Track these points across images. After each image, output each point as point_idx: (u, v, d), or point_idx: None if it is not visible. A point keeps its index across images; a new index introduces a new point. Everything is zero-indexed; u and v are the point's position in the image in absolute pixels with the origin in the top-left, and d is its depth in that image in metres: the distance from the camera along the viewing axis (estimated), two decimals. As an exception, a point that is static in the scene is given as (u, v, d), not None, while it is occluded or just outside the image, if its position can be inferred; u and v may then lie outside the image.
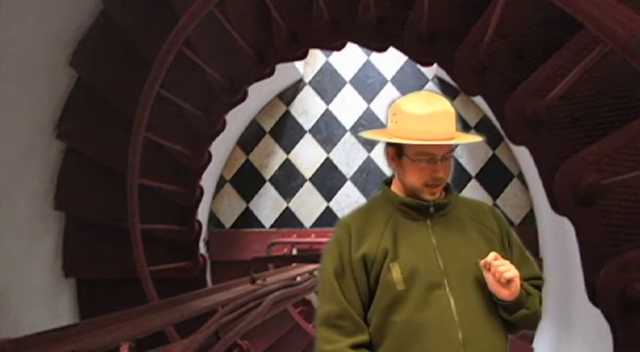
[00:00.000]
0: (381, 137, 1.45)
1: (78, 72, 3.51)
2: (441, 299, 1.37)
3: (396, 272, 1.39)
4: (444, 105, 1.40)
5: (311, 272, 4.71)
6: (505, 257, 1.42)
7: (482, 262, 1.37)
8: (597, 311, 1.70)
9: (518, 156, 5.63)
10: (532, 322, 1.44)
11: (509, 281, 1.34)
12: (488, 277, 1.36)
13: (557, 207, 1.79)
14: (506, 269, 1.34)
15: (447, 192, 1.50)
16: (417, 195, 1.45)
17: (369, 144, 6.11)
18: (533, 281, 1.48)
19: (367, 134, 1.55)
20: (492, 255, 1.36)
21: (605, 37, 1.41)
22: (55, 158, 3.59)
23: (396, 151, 1.45)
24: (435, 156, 1.39)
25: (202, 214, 5.21)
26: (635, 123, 1.65)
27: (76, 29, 3.43)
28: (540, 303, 1.47)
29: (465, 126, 5.76)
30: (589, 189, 1.69)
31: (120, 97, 3.48)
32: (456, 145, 1.47)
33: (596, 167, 1.70)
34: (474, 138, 1.51)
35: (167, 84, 3.01)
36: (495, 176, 5.80)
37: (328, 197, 6.12)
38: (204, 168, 3.77)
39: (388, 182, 1.54)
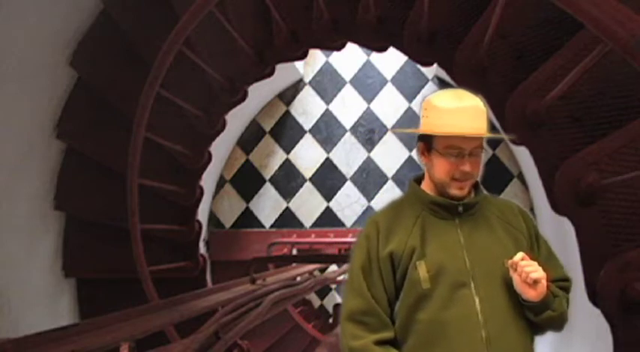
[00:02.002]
0: (411, 130, 1.48)
1: (78, 72, 3.51)
2: (466, 298, 1.37)
3: (422, 271, 1.39)
4: (473, 102, 1.41)
5: (311, 272, 4.72)
6: (532, 257, 1.41)
7: (509, 262, 1.36)
8: (597, 311, 1.70)
9: (518, 156, 5.63)
10: (558, 324, 1.43)
11: (536, 281, 1.33)
12: (515, 277, 1.36)
13: (557, 207, 1.79)
14: (533, 269, 1.33)
15: (477, 191, 1.50)
16: (446, 190, 1.44)
17: (369, 144, 6.11)
18: (561, 283, 1.46)
19: (399, 130, 1.59)
20: (520, 255, 1.35)
21: (605, 37, 1.41)
22: (55, 158, 3.59)
23: (426, 146, 1.46)
24: (462, 149, 1.39)
25: (202, 214, 5.20)
26: (635, 123, 1.66)
27: (76, 29, 3.43)
28: (567, 305, 1.45)
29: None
30: (589, 189, 1.69)
31: (120, 97, 3.48)
32: (488, 143, 1.47)
33: (596, 167, 1.70)
34: (502, 134, 1.49)
35: (167, 84, 3.01)
36: (495, 176, 5.79)
37: (328, 197, 6.12)
38: (204, 168, 3.77)
39: (418, 180, 1.54)
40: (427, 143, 1.45)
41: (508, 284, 1.38)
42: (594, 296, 1.69)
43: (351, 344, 1.39)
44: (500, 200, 1.59)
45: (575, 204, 1.74)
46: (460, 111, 1.39)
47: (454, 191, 1.43)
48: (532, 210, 5.66)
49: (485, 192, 1.53)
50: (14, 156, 3.17)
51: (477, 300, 1.37)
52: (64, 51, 3.42)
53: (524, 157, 4.92)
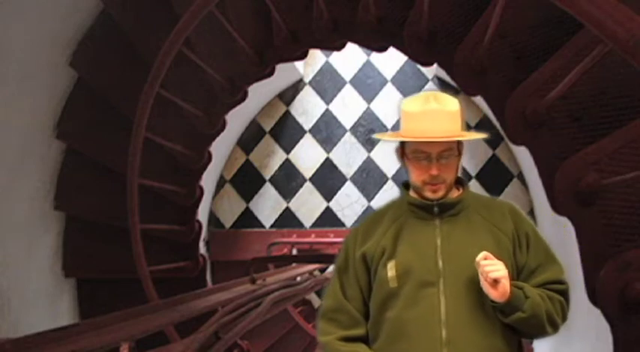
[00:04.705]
0: (380, 136, 1.51)
1: (78, 72, 3.51)
2: (431, 297, 1.38)
3: (390, 270, 1.42)
4: (441, 105, 1.41)
5: (311, 272, 4.72)
6: (516, 259, 1.41)
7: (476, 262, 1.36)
8: (597, 311, 1.70)
9: (518, 156, 5.63)
10: (533, 326, 1.39)
11: (496, 281, 1.32)
12: (480, 277, 1.35)
13: (557, 207, 1.79)
14: (494, 269, 1.32)
15: (463, 191, 1.51)
16: (422, 194, 1.46)
17: (369, 144, 6.11)
18: (554, 286, 1.44)
19: (377, 136, 1.63)
20: (482, 254, 1.35)
21: (605, 37, 1.40)
22: (55, 158, 3.59)
23: (402, 150, 1.48)
24: (429, 154, 1.40)
25: (202, 214, 5.20)
26: (635, 123, 1.65)
27: (76, 29, 3.43)
28: (563, 308, 1.43)
29: (465, 126, 5.76)
30: (589, 189, 1.69)
31: (120, 97, 3.48)
32: (460, 145, 1.46)
33: (596, 167, 1.70)
34: (470, 135, 1.50)
35: (167, 84, 3.01)
36: (495, 176, 5.79)
37: (328, 197, 6.12)
38: (204, 168, 3.77)
39: (408, 184, 1.55)
40: (402, 148, 1.47)
41: (479, 286, 1.37)
42: (594, 296, 1.68)
43: (319, 339, 1.49)
44: (491, 200, 1.59)
45: (575, 204, 1.74)
46: (422, 115, 1.40)
47: (427, 194, 1.45)
48: (532, 210, 5.66)
49: (472, 191, 1.54)
50: (14, 156, 3.17)
51: (442, 300, 1.38)
52: (64, 51, 3.42)
53: (524, 157, 4.91)
